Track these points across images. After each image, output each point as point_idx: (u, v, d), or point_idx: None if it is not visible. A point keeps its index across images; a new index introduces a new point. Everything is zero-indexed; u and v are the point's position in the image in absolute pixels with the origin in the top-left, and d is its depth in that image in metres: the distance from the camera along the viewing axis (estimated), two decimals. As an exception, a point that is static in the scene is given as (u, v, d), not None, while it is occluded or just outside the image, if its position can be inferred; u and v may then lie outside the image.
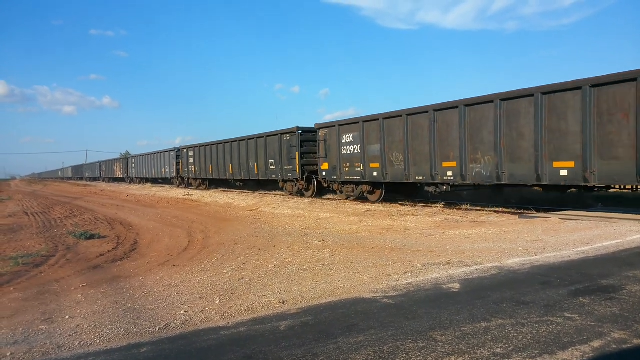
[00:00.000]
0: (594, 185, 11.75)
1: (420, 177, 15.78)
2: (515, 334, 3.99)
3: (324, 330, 4.31)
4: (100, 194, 34.91)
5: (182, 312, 5.13)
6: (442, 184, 15.42)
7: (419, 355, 3.62)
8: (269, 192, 26.41)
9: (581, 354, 3.56)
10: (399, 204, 17.46)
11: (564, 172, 11.82)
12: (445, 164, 14.86)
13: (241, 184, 29.42)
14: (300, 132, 21.63)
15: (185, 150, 36.07)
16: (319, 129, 20.42)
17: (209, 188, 33.20)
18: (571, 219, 11.46)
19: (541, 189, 14.50)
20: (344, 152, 19.00)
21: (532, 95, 12.30)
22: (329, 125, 19.87)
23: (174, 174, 38.43)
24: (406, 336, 4.04)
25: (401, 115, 16.26)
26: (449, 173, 14.73)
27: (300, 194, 22.88)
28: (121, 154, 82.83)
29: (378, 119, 17.25)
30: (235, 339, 4.20)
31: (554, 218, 11.81)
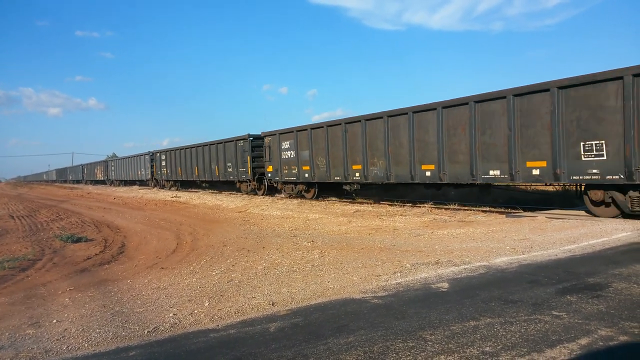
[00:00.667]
0: (447, 183, 14.91)
1: (338, 178, 19.03)
2: (504, 333, 4.02)
3: (313, 331, 4.31)
4: (87, 196, 34.60)
5: (170, 315, 5.10)
6: (353, 183, 18.82)
7: (409, 355, 3.64)
8: (229, 192, 29.50)
9: (569, 351, 3.60)
10: (388, 205, 17.52)
11: (428, 173, 15.21)
12: (354, 167, 18.17)
13: (206, 184, 33.19)
14: (251, 139, 25.01)
15: (158, 155, 39.48)
16: (265, 136, 23.67)
17: (179, 189, 36.24)
18: (558, 218, 11.58)
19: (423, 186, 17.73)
20: (283, 156, 22.29)
21: (407, 113, 15.72)
22: (272, 134, 23.10)
23: (149, 176, 41.44)
24: (396, 336, 4.06)
25: (323, 127, 19.59)
26: (357, 174, 18.06)
27: (254, 192, 25.89)
28: (107, 156, 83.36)
29: (307, 129, 20.55)
30: (225, 341, 4.19)
31: (540, 217, 11.92)
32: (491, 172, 13.20)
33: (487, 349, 3.69)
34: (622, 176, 10.42)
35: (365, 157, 17.44)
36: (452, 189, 17.63)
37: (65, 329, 4.78)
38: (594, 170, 10.97)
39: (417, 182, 15.75)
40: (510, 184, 14.12)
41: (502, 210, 14.22)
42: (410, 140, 15.48)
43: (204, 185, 33.55)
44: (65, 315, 5.35)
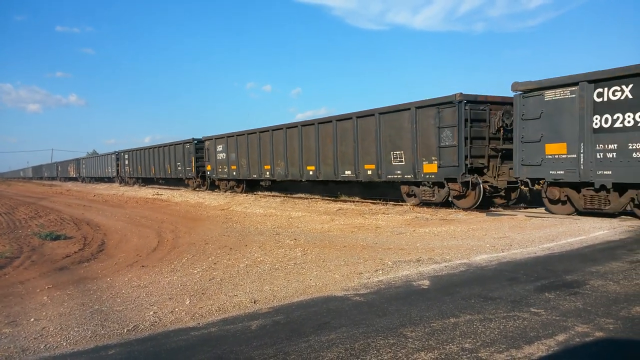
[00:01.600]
0: (321, 180, 19.82)
1: (255, 175, 24.01)
2: (483, 329, 4.07)
3: (295, 328, 4.31)
4: (67, 193, 34.11)
5: (151, 313, 5.06)
6: (265, 180, 23.89)
7: (390, 352, 3.66)
8: (180, 187, 33.56)
9: (546, 347, 3.66)
10: (370, 203, 17.59)
11: (310, 172, 19.99)
12: (265, 167, 22.95)
13: (162, 181, 37.35)
14: (195, 142, 29.78)
15: (122, 154, 44.06)
16: (205, 140, 28.55)
17: (140, 185, 39.77)
18: (537, 217, 11.75)
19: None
20: (218, 157, 27.16)
21: (296, 127, 20.68)
22: (209, 138, 28.02)
23: (115, 174, 45.69)
24: (377, 333, 4.08)
25: (244, 134, 24.43)
26: (267, 173, 22.93)
27: (199, 187, 30.28)
28: (87, 153, 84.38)
29: (234, 136, 25.44)
30: (206, 339, 4.17)
31: (520, 215, 12.09)
32: (346, 172, 18.24)
33: (467, 345, 3.74)
34: (412, 176, 15.51)
35: (272, 159, 22.30)
36: (341, 185, 20.97)
37: (43, 328, 4.71)
38: (398, 172, 16.05)
39: (304, 179, 20.68)
40: (354, 180, 18.33)
41: (482, 208, 14.39)
42: (300, 147, 20.40)
43: (160, 182, 37.81)
44: (44, 313, 5.27)
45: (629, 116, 10.33)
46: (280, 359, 3.62)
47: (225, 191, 26.69)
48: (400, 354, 3.61)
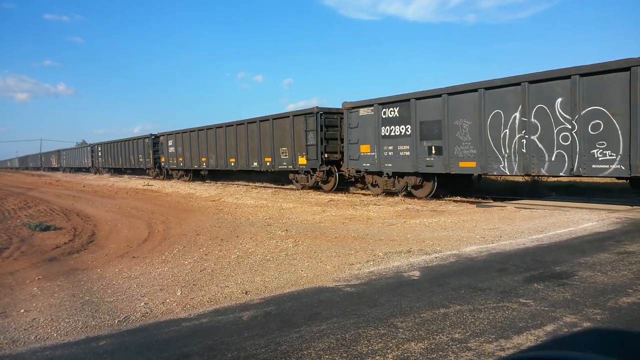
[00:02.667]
0: (239, 170, 25.21)
1: (196, 166, 29.34)
2: (473, 320, 4.11)
3: (287, 319, 4.33)
4: (56, 184, 33.84)
5: (142, 304, 5.05)
6: (204, 170, 28.91)
7: (380, 342, 3.69)
8: (143, 176, 37.78)
9: (535, 337, 3.71)
10: (362, 194, 17.63)
11: (232, 163, 25.23)
12: (202, 159, 28.37)
13: (129, 171, 41.68)
14: (153, 137, 35.26)
15: (96, 147, 49.14)
16: (159, 136, 34.35)
17: (112, 175, 43.56)
18: (526, 208, 11.84)
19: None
20: (169, 151, 32.65)
21: (222, 127, 25.96)
22: (163, 134, 33.68)
23: (90, 164, 50.42)
24: (368, 323, 4.11)
25: (187, 132, 29.99)
26: (204, 164, 28.17)
27: (157, 176, 35.33)
28: (77, 143, 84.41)
29: (180, 133, 30.95)
30: (197, 330, 4.18)
31: (510, 207, 12.18)
32: (254, 164, 23.18)
33: (457, 335, 3.78)
34: (292, 166, 20.45)
35: (207, 153, 27.43)
36: (252, 173, 26.46)
37: (34, 319, 4.69)
38: (284, 163, 21.08)
39: (229, 169, 25.98)
40: (258, 170, 23.29)
41: (473, 200, 14.48)
42: (225, 143, 25.69)
43: (128, 171, 41.95)
44: (34, 304, 5.25)
45: (397, 128, 15.63)
46: (272, 350, 3.64)
47: (178, 179, 32.39)
48: (391, 344, 3.64)
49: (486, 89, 12.89)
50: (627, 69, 10.29)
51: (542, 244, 7.49)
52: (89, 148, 51.52)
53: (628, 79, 10.28)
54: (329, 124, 19.18)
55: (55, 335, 4.24)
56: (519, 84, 12.12)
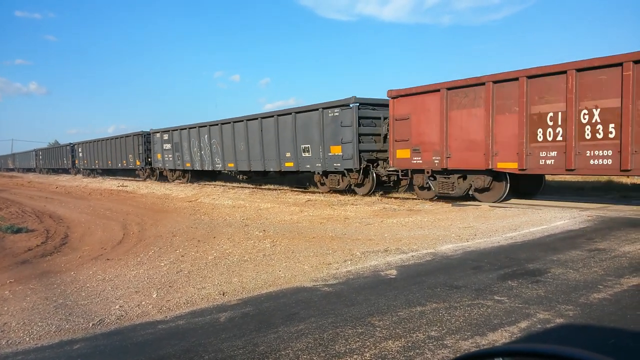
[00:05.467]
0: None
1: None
2: (449, 317, 4.17)
3: (264, 320, 4.32)
4: (28, 185, 33.08)
5: (117, 307, 4.97)
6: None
7: (358, 341, 3.71)
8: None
9: (509, 334, 3.77)
10: (339, 194, 17.67)
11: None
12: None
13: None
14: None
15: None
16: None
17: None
18: (500, 207, 12.03)
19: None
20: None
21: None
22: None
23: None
24: (345, 323, 4.13)
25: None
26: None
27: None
28: (49, 143, 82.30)
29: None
30: (174, 332, 4.14)
31: (484, 206, 12.36)
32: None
33: (433, 333, 3.82)
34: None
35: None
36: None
37: (5, 323, 4.58)
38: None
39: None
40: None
41: (448, 199, 14.64)
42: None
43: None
44: (5, 308, 5.12)
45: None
46: (249, 351, 3.63)
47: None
48: (369, 343, 3.67)
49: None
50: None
51: (515, 242, 7.62)
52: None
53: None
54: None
55: (27, 339, 4.15)
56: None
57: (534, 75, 11.57)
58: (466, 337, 3.73)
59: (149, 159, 31.55)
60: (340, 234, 8.94)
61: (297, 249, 7.66)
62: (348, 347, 3.62)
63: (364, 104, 16.48)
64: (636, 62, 10.00)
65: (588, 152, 10.70)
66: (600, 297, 4.66)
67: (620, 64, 10.15)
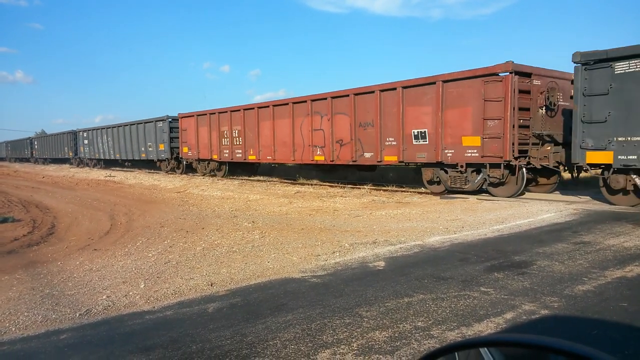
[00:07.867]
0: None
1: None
2: (435, 308, 4.21)
3: (252, 310, 4.33)
4: (14, 175, 32.72)
5: (104, 297, 4.96)
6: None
7: (345, 331, 3.74)
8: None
9: (495, 325, 3.82)
10: (328, 186, 17.69)
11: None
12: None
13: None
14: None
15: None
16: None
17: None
18: (488, 200, 12.13)
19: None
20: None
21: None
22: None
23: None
24: (333, 313, 4.15)
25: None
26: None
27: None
28: (36, 132, 80.00)
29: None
30: (161, 322, 4.13)
31: (472, 198, 12.45)
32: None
33: (420, 324, 3.86)
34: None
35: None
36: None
37: (-10, 314, 4.55)
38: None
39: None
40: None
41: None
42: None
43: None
44: (-10, 299, 5.08)
45: None
46: (237, 341, 3.64)
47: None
48: (356, 333, 3.69)
49: None
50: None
51: (502, 234, 7.70)
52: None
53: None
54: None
55: (13, 329, 4.12)
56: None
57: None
58: (452, 327, 3.77)
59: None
60: (329, 226, 8.96)
61: (286, 240, 7.67)
62: (335, 337, 3.64)
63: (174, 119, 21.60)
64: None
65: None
66: (585, 289, 4.73)
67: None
